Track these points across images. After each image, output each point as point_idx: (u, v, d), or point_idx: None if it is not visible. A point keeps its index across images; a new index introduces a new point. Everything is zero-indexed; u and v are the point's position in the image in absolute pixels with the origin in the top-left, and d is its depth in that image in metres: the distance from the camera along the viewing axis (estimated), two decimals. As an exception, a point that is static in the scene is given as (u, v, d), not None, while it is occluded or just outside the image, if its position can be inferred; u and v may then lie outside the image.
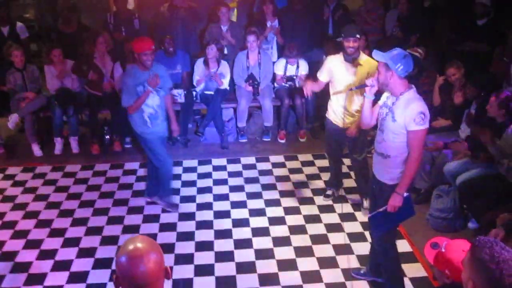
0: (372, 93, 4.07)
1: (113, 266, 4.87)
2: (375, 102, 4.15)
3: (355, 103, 5.28)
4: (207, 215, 5.75)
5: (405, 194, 3.97)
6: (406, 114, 3.76)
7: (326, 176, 6.45)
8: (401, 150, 3.91)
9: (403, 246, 4.99)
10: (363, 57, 5.24)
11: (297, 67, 7.47)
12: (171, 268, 4.75)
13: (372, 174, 4.28)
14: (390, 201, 3.98)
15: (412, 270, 4.78)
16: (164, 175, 5.71)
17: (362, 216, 5.62)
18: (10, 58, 7.09)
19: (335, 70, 5.27)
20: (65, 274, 4.84)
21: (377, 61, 3.93)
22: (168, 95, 5.71)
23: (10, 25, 8.07)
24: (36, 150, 7.20)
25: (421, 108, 3.76)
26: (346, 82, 5.20)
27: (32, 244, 5.29)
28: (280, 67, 7.54)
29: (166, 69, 5.86)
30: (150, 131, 5.43)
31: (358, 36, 5.12)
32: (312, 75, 7.58)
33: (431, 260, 2.96)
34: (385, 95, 4.07)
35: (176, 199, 6.07)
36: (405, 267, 4.71)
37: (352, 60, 5.20)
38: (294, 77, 7.46)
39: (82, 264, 4.98)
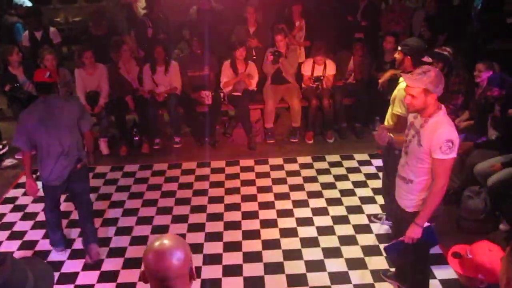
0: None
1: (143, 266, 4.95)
2: None
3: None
4: (235, 215, 5.78)
5: (426, 224, 3.71)
6: (432, 140, 3.50)
7: (354, 177, 6.45)
8: (424, 175, 3.68)
9: (433, 248, 4.93)
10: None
11: (324, 67, 7.45)
12: (199, 268, 4.82)
13: (394, 199, 4.08)
14: (408, 232, 3.73)
15: (443, 273, 4.71)
16: None
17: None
18: (43, 62, 7.23)
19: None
20: (96, 274, 4.94)
21: (409, 86, 3.58)
22: None
23: (43, 30, 8.24)
24: (67, 151, 7.31)
25: (449, 136, 3.48)
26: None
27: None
28: (308, 68, 7.53)
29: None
30: None
31: (399, 48, 4.61)
32: (339, 76, 7.59)
33: (459, 269, 2.90)
34: (411, 116, 3.82)
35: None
36: (435, 269, 4.66)
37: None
38: (322, 78, 7.44)
39: (112, 263, 5.06)
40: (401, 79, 4.61)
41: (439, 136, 3.48)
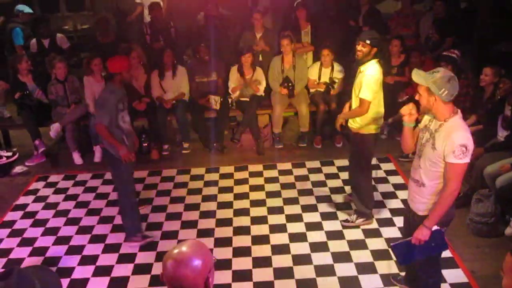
0: (411, 120, 3.81)
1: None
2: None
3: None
4: (244, 221, 5.79)
5: (436, 228, 3.67)
6: (446, 144, 3.46)
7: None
8: (437, 179, 3.64)
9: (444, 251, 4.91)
10: (367, 67, 4.99)
11: (332, 70, 7.43)
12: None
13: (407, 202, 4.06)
14: (416, 233, 3.71)
15: (452, 276, 4.70)
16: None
17: (400, 222, 5.54)
18: (53, 70, 7.28)
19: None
20: (106, 280, 4.95)
21: (417, 83, 3.59)
22: None
23: (50, 38, 8.29)
24: (77, 158, 7.36)
25: (463, 140, 3.43)
26: (353, 86, 5.21)
27: (74, 250, 5.42)
28: (315, 72, 7.52)
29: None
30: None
31: (367, 42, 4.90)
32: (347, 80, 7.57)
33: None
34: (427, 118, 3.77)
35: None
36: (445, 273, 4.63)
37: (357, 64, 5.09)
38: (335, 81, 7.39)
39: (122, 269, 5.07)
40: (362, 67, 5.00)
41: (453, 140, 3.44)
